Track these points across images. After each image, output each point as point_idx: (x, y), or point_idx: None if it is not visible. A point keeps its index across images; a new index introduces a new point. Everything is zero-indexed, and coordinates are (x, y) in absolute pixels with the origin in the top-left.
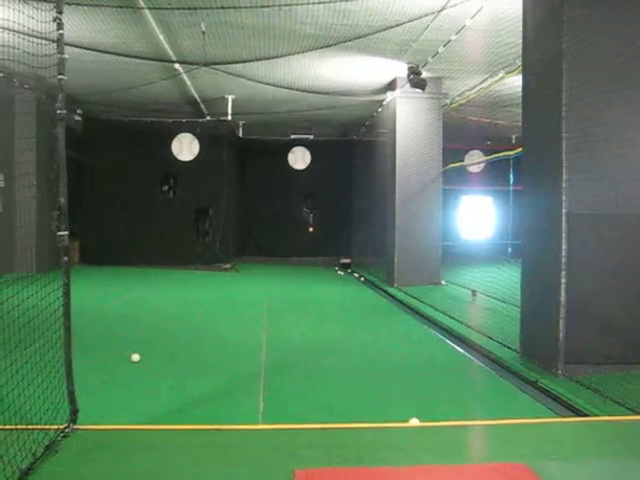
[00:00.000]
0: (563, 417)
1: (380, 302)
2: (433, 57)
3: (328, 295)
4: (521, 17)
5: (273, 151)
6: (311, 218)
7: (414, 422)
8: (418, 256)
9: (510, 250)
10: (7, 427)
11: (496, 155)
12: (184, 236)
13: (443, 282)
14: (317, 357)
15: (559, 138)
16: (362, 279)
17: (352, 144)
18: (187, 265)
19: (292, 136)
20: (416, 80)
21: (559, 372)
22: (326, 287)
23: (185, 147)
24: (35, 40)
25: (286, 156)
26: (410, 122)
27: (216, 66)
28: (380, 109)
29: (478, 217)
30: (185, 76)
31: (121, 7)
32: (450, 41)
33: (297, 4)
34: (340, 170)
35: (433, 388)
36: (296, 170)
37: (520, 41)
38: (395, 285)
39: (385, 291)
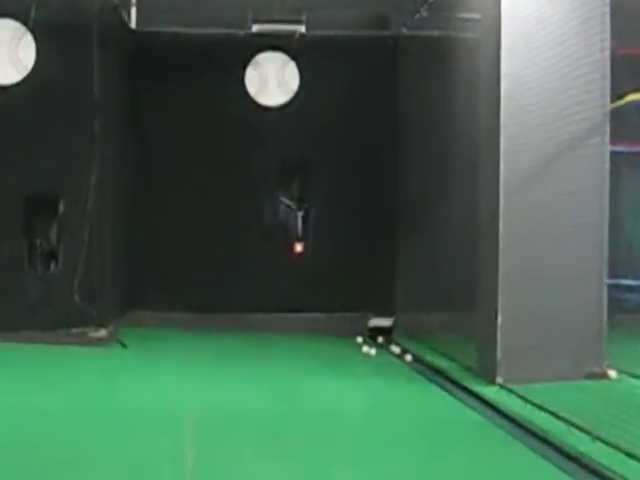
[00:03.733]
0: None
1: (466, 421)
2: None
3: (340, 405)
4: None
5: (210, 64)
6: (300, 222)
7: None
8: (552, 312)
9: None
10: None
11: None
12: None
13: (612, 373)
14: None
15: None
16: (419, 365)
17: (397, 48)
18: (7, 331)
19: (254, 28)
20: None
21: None
22: (336, 386)
23: (3, 55)
24: None
25: (240, 75)
26: None
27: None
28: None
29: None
30: None
31: None
32: None
33: None
34: (369, 108)
35: None
36: (264, 108)
37: None
38: (499, 380)
39: (476, 395)
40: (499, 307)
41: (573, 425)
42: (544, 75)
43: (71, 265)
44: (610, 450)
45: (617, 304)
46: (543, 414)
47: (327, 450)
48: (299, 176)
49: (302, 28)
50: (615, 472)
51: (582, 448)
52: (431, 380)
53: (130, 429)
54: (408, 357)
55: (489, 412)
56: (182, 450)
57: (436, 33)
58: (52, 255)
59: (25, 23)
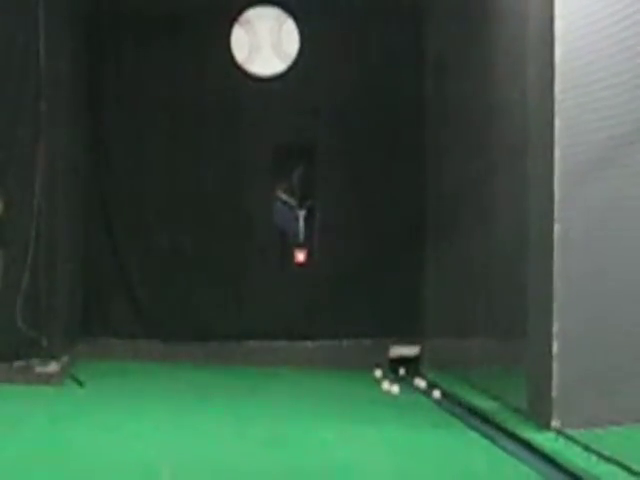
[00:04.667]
0: None
1: (515, 477)
2: None
3: (354, 459)
4: None
5: (186, 22)
6: (302, 224)
7: None
8: (622, 336)
9: None
10: None
11: None
12: None
13: None
14: None
15: None
16: (452, 405)
17: (423, 3)
18: None
19: None
20: None
21: None
22: (348, 434)
23: None
24: None
25: (225, 36)
26: None
27: None
28: None
29: None
30: None
31: None
32: None
33: None
34: (388, 80)
35: None
36: (255, 79)
37: None
38: (555, 424)
39: (527, 443)
40: (554, 331)
41: None
42: (610, 35)
43: (13, 281)
44: None
45: None
46: (612, 467)
47: None
48: (300, 165)
49: None
50: None
51: None
52: (469, 425)
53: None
54: (436, 393)
55: (543, 465)
56: None
57: None
58: None
59: None
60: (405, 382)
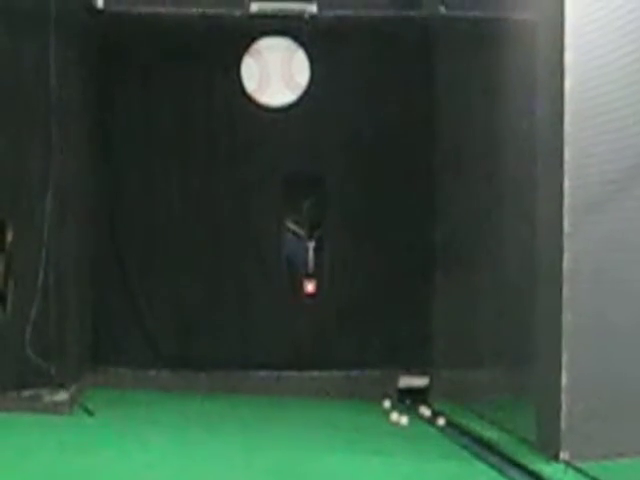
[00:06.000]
0: None
1: None
2: None
3: None
4: None
5: (197, 52)
6: (311, 255)
7: None
8: (631, 368)
9: None
10: None
11: None
12: None
13: None
14: None
15: None
16: (462, 436)
17: (432, 33)
18: None
19: (253, 7)
20: None
21: None
22: (355, 466)
23: None
24: None
25: (236, 67)
26: None
27: None
28: None
29: None
30: None
31: None
32: None
33: None
34: (397, 109)
35: None
36: (265, 109)
37: None
38: (564, 456)
39: (535, 475)
40: (563, 363)
41: None
42: (621, 67)
43: (22, 310)
44: None
45: None
46: None
47: None
48: (310, 196)
49: (313, 7)
50: None
51: None
52: (477, 455)
53: None
54: (441, 421)
55: None
56: None
57: (482, 13)
58: None
59: None
60: (412, 412)
